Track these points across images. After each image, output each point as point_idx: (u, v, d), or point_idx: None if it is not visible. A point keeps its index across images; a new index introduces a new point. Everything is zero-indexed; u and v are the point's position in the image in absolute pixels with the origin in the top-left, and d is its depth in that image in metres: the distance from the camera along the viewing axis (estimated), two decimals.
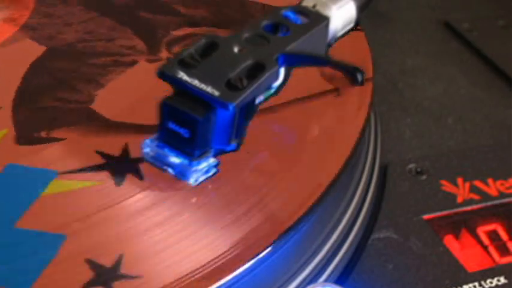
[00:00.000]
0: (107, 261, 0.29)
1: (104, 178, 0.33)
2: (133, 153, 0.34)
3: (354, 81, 0.33)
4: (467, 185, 0.42)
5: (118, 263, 0.29)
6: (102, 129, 0.35)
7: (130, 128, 0.35)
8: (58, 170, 0.33)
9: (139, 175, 0.33)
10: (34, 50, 0.40)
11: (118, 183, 0.32)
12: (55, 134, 0.35)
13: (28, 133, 0.35)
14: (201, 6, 0.44)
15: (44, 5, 0.44)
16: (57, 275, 0.29)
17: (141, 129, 0.35)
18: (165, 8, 0.44)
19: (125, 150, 0.34)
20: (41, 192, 0.32)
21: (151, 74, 0.35)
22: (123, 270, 0.29)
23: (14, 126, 0.35)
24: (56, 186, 0.32)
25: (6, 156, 0.34)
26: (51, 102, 0.37)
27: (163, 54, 0.40)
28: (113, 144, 0.34)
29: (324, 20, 0.36)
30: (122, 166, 0.33)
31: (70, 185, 0.32)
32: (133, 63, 0.40)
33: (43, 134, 0.35)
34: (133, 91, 0.38)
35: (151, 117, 0.33)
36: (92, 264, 0.29)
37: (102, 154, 0.34)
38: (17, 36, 0.42)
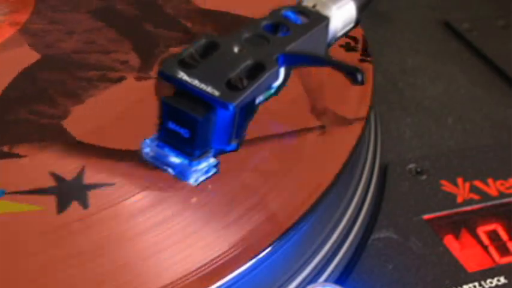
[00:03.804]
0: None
1: (47, 202, 0.31)
2: (89, 178, 0.33)
3: (354, 81, 0.33)
4: (467, 185, 0.42)
5: None
6: (65, 149, 0.34)
7: (93, 150, 0.34)
8: (7, 189, 0.32)
9: (83, 204, 0.31)
10: (28, 57, 0.40)
11: (60, 211, 0.31)
12: (17, 149, 0.34)
13: None
14: (209, 24, 0.43)
15: (52, 10, 0.43)
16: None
17: (103, 153, 0.34)
18: (172, 22, 0.43)
19: (79, 175, 0.33)
20: None
21: (134, 93, 0.35)
22: None
23: None
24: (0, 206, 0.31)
25: None
26: (24, 114, 0.36)
27: (154, 72, 0.39)
28: (70, 166, 0.33)
29: (324, 20, 0.36)
30: (68, 192, 0.32)
31: (14, 207, 0.31)
32: (120, 79, 0.38)
33: (5, 148, 0.34)
34: (108, 110, 0.36)
35: (118, 140, 0.33)
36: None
37: (55, 176, 0.32)
38: (16, 42, 0.41)
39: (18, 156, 0.34)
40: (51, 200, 0.32)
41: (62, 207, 0.31)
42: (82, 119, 0.36)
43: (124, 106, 0.37)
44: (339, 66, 0.34)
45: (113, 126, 0.36)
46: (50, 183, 0.32)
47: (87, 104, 0.37)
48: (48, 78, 0.38)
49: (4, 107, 0.37)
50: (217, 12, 0.44)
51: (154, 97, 0.36)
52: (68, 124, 0.35)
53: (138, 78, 0.38)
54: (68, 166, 0.33)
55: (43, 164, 0.33)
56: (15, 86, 0.38)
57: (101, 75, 0.38)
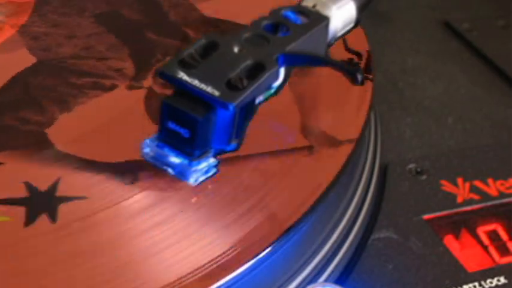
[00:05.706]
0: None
1: (17, 213, 0.31)
2: (61, 190, 0.32)
3: (353, 81, 0.33)
4: (467, 185, 0.42)
5: None
6: (45, 158, 0.33)
7: (74, 161, 0.33)
8: None
9: (52, 217, 0.31)
10: (23, 61, 0.39)
11: (28, 223, 0.30)
12: None
13: None
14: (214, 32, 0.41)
15: (55, 13, 0.43)
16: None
17: (83, 164, 0.33)
18: (174, 30, 0.42)
19: (53, 186, 0.32)
20: None
21: (124, 102, 0.34)
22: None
23: None
24: None
25: None
26: (10, 120, 0.35)
27: (147, 82, 0.38)
28: (47, 177, 0.32)
29: (324, 20, 0.36)
30: (40, 204, 0.31)
31: None
32: (112, 87, 0.38)
33: None
34: (94, 119, 0.36)
35: (99, 151, 0.33)
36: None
37: (29, 186, 0.32)
38: (14, 44, 0.40)
39: None
40: (19, 211, 0.31)
41: (30, 220, 0.31)
42: (67, 127, 0.35)
43: (111, 115, 0.36)
44: (338, 66, 0.34)
45: (95, 136, 0.35)
46: (24, 193, 0.32)
47: (75, 111, 0.36)
48: (40, 83, 0.38)
49: None
50: (221, 20, 0.43)
51: (142, 107, 0.36)
52: (53, 132, 0.35)
53: (130, 87, 0.38)
54: (45, 176, 0.32)
55: (21, 172, 0.33)
56: (5, 90, 0.37)
57: (94, 83, 0.38)
